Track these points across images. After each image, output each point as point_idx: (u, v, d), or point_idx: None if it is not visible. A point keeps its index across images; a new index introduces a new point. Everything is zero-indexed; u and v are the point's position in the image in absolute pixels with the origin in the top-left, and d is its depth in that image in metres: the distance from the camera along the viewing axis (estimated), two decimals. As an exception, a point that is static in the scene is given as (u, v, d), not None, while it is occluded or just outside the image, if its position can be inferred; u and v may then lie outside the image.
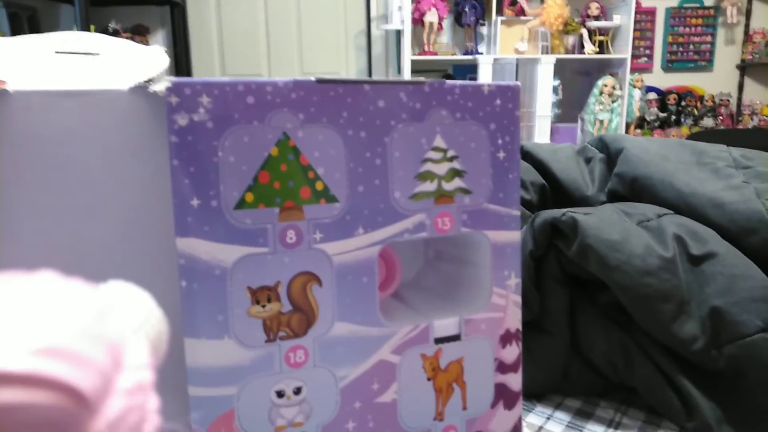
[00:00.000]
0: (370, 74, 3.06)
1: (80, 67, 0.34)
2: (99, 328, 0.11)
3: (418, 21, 2.75)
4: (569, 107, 2.93)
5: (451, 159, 0.31)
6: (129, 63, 0.35)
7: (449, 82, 0.31)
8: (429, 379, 0.32)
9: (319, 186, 0.29)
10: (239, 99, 0.27)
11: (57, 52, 0.35)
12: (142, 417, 0.11)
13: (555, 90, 2.77)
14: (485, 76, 2.70)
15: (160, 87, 0.27)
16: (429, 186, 0.31)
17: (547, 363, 0.49)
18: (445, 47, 2.91)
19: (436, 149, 0.31)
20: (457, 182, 0.31)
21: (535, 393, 0.50)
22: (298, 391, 0.29)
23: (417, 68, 2.83)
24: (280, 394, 0.29)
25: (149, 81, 0.34)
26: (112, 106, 0.30)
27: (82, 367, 0.10)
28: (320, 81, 0.28)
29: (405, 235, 0.31)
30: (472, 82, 0.31)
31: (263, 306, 0.28)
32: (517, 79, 2.89)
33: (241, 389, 0.28)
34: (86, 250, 0.30)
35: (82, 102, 0.30)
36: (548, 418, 0.47)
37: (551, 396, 0.50)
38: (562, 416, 0.47)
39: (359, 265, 0.30)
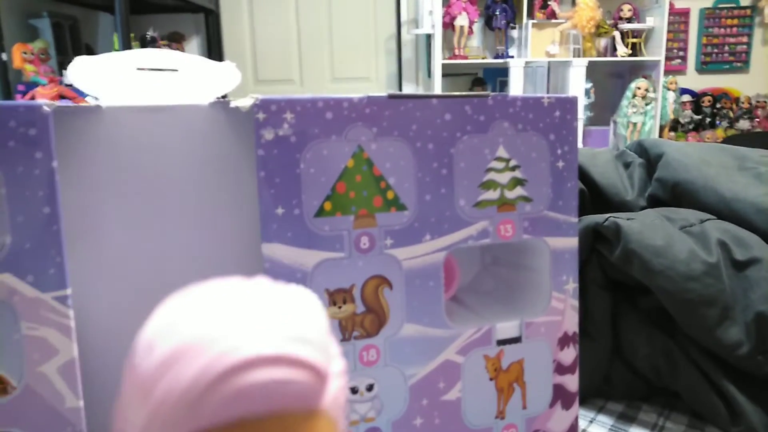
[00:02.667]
0: (400, 79, 3.08)
1: (161, 83, 0.37)
2: (319, 321, 0.13)
3: (448, 25, 2.76)
4: (601, 110, 2.91)
5: (513, 168, 0.33)
6: (205, 78, 0.37)
7: (511, 95, 0.32)
8: (491, 379, 0.33)
9: (390, 195, 0.30)
10: (319, 115, 0.29)
11: (139, 69, 0.37)
12: (345, 397, 0.13)
13: (587, 93, 2.75)
14: (516, 79, 2.70)
15: (243, 103, 0.29)
16: (492, 194, 0.32)
17: (590, 367, 0.50)
18: (475, 51, 2.91)
19: (499, 159, 0.32)
20: (518, 191, 0.33)
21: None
22: (370, 387, 0.31)
23: (447, 72, 2.83)
24: (354, 391, 0.31)
25: (226, 96, 0.36)
26: (194, 120, 0.32)
27: (319, 352, 0.13)
28: (392, 96, 0.30)
29: (469, 242, 0.32)
30: (532, 95, 0.33)
31: (339, 307, 0.30)
32: (548, 83, 2.87)
33: (319, 385, 0.30)
34: (172, 255, 0.32)
35: (166, 116, 0.32)
36: (591, 422, 0.48)
37: (593, 399, 0.51)
38: (605, 420, 0.48)
39: (426, 269, 0.31)
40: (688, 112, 3.00)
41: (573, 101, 0.34)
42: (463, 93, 0.32)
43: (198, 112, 0.32)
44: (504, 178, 0.33)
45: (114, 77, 0.36)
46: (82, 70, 0.36)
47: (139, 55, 0.38)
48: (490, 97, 0.32)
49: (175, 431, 0.11)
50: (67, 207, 0.29)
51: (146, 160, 0.32)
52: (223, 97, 0.35)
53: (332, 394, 0.13)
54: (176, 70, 0.37)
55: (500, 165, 0.32)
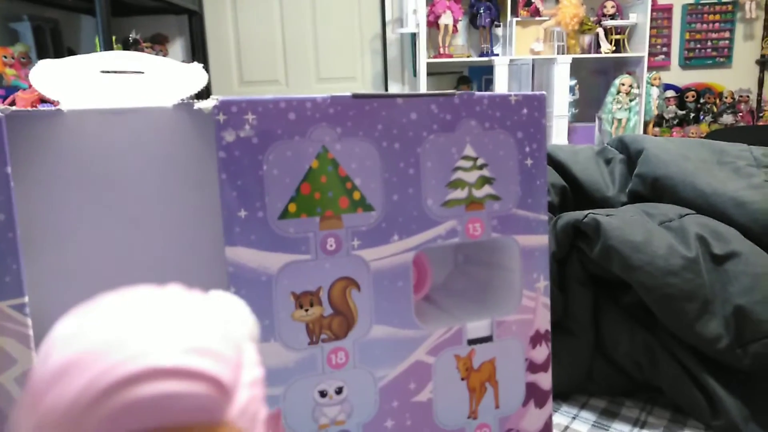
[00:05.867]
0: (386, 78, 3.07)
1: (126, 86, 0.36)
2: (227, 330, 0.13)
3: (433, 24, 2.76)
4: (586, 107, 2.92)
5: (480, 167, 0.33)
6: (171, 80, 0.37)
7: (478, 93, 0.32)
8: (463, 379, 0.33)
9: (356, 196, 0.30)
10: (282, 115, 0.28)
11: (103, 72, 0.36)
12: (259, 406, 0.13)
13: (572, 90, 2.76)
14: (501, 77, 2.70)
15: (206, 105, 0.29)
16: (460, 193, 0.32)
17: (572, 363, 0.50)
18: (460, 49, 2.91)
19: (467, 158, 0.32)
20: (486, 189, 0.33)
21: (561, 393, 0.51)
22: (339, 390, 0.30)
23: (433, 71, 2.83)
24: (323, 394, 0.30)
25: (192, 98, 0.35)
26: (158, 123, 0.32)
27: (222, 363, 0.12)
28: (356, 96, 0.30)
29: (438, 241, 0.32)
30: (499, 93, 0.33)
31: (306, 310, 0.29)
32: (533, 80, 2.88)
33: (286, 389, 0.30)
34: (135, 258, 0.32)
35: (130, 119, 0.32)
36: (574, 418, 0.48)
37: (576, 396, 0.51)
38: (588, 416, 0.48)
39: (395, 270, 0.31)
40: (673, 107, 3.02)
41: (541, 99, 0.34)
42: (429, 92, 0.31)
43: (162, 114, 0.32)
44: (472, 176, 0.32)
45: (77, 80, 0.36)
46: (45, 74, 0.35)
47: (103, 57, 0.37)
48: (457, 96, 0.32)
49: None
50: (27, 213, 0.29)
51: (109, 164, 0.31)
52: (208, 98, 0.35)
53: (240, 404, 0.12)
54: (141, 73, 0.36)
55: (468, 164, 0.32)
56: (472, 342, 0.33)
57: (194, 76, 0.37)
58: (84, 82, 0.36)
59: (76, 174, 0.31)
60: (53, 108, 0.31)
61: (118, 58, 0.37)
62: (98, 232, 0.31)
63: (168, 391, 0.11)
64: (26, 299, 0.26)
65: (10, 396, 0.26)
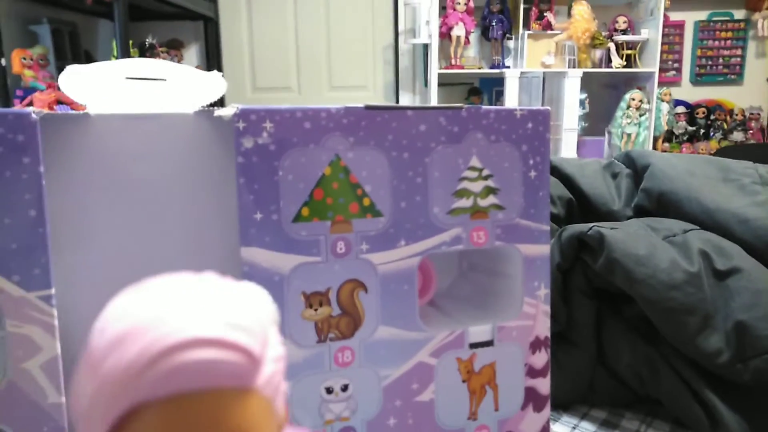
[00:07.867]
0: (397, 88, 3.09)
1: (149, 92, 0.38)
2: (256, 312, 0.15)
3: (445, 35, 2.78)
4: (596, 120, 2.92)
5: (486, 178, 0.34)
6: (192, 88, 0.38)
7: (485, 107, 0.34)
8: (464, 381, 0.35)
9: (366, 202, 0.32)
10: (298, 124, 0.30)
11: (128, 78, 0.38)
12: (281, 379, 0.15)
13: (582, 103, 2.76)
14: (512, 89, 2.71)
15: (226, 112, 0.30)
16: (465, 202, 0.34)
17: (574, 374, 0.51)
18: (472, 61, 2.93)
19: (472, 168, 0.34)
20: (491, 199, 0.34)
21: (562, 403, 0.51)
22: (345, 388, 0.32)
23: (444, 81, 2.85)
24: (329, 391, 0.32)
25: (212, 105, 0.37)
26: (179, 128, 0.34)
27: (253, 338, 0.14)
28: (368, 107, 0.31)
29: (443, 248, 0.33)
30: (506, 107, 0.34)
31: (315, 309, 0.31)
32: (543, 93, 2.89)
33: (294, 385, 0.31)
34: (155, 256, 0.33)
35: (153, 124, 0.33)
36: (574, 428, 0.48)
37: (577, 406, 0.52)
38: (588, 426, 0.49)
39: (401, 274, 0.33)
40: (683, 123, 3.01)
41: (545, 113, 0.35)
42: (438, 105, 0.33)
43: (183, 120, 0.33)
44: (477, 186, 0.34)
45: (104, 86, 0.37)
46: (73, 79, 0.37)
47: (128, 64, 0.39)
48: (464, 109, 0.33)
49: (118, 403, 0.13)
50: (55, 211, 0.30)
51: (132, 166, 0.33)
52: (221, 103, 0.37)
53: (266, 375, 0.14)
54: (165, 80, 0.38)
55: (473, 174, 0.34)
56: (473, 346, 0.35)
57: (214, 83, 0.39)
58: (110, 87, 0.37)
59: (101, 175, 0.32)
60: (81, 112, 0.32)
61: (143, 65, 0.39)
62: (121, 231, 0.33)
63: (208, 358, 0.13)
64: (53, 291, 0.27)
65: (36, 382, 0.27)
